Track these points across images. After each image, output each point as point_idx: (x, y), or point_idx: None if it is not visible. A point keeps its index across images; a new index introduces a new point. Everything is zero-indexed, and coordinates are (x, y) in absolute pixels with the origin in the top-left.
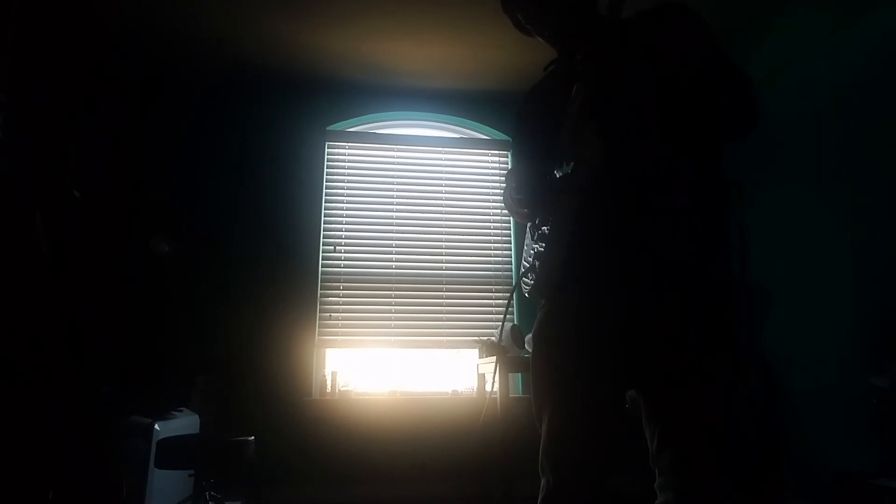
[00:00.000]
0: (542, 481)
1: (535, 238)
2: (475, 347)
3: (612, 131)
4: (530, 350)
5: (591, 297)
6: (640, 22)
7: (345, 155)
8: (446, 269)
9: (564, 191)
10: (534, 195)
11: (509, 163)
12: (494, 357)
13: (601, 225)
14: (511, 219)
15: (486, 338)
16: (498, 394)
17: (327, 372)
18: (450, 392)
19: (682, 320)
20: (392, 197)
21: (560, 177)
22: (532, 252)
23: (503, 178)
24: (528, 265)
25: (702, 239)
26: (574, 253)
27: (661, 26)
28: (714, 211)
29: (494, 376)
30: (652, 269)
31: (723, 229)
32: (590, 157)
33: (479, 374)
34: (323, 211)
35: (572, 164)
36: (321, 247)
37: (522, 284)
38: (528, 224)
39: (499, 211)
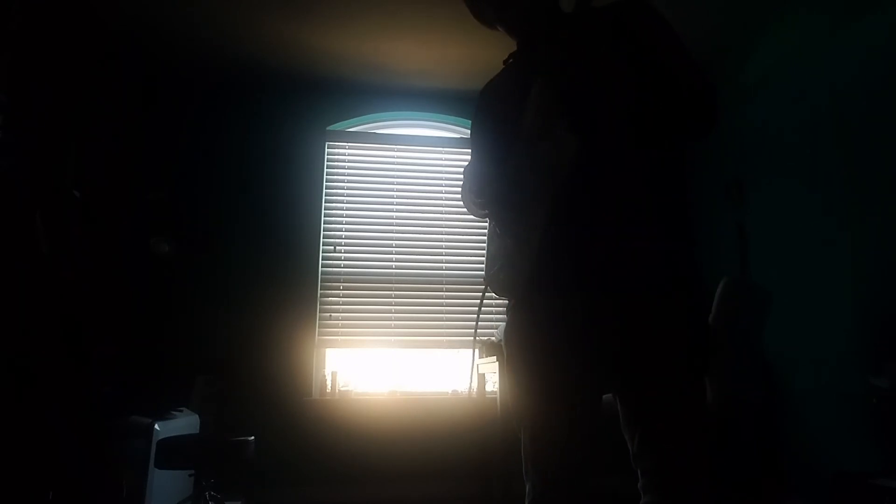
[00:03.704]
0: (528, 487)
1: (503, 235)
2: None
3: (585, 127)
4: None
5: (566, 299)
6: (602, 17)
7: (345, 155)
8: (446, 269)
9: (535, 189)
10: (496, 194)
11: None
12: (495, 357)
13: (574, 224)
14: None
15: (485, 338)
16: (497, 394)
17: (327, 372)
18: (450, 392)
19: (658, 322)
20: (392, 197)
21: (530, 174)
22: (504, 247)
23: None
24: (495, 264)
25: (675, 237)
26: (546, 253)
27: (628, 21)
28: (683, 208)
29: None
30: (627, 269)
31: (689, 227)
32: (563, 155)
33: (479, 374)
34: (323, 211)
35: (542, 161)
36: (321, 247)
37: (491, 283)
38: (493, 221)
39: None
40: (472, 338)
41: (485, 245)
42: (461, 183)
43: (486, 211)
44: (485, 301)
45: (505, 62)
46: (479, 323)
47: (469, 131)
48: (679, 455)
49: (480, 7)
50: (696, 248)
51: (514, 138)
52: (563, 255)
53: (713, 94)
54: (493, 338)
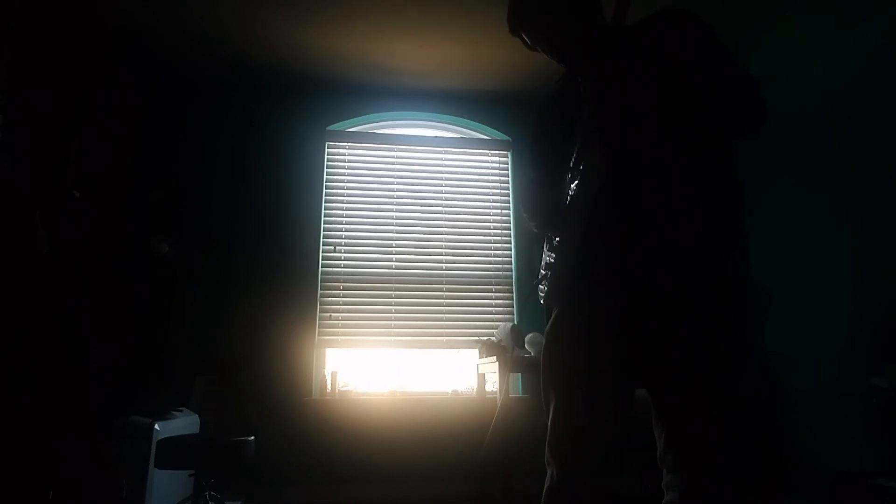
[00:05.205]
0: (548, 472)
1: (548, 249)
2: (475, 347)
3: (616, 142)
4: (532, 350)
5: (600, 297)
6: (644, 28)
7: (345, 155)
8: (446, 269)
9: (573, 204)
10: (544, 213)
11: (509, 164)
12: (495, 357)
13: (608, 230)
14: (511, 219)
15: (486, 338)
16: (498, 394)
17: (327, 372)
18: (450, 392)
19: (687, 320)
20: (392, 197)
21: (571, 194)
22: (545, 262)
23: (503, 178)
24: (542, 274)
25: (710, 237)
26: (583, 259)
27: (665, 31)
28: (723, 209)
29: (507, 380)
30: (658, 269)
31: (733, 226)
32: (595, 171)
33: (479, 374)
34: (323, 211)
35: (580, 181)
36: (321, 247)
37: (539, 291)
38: (543, 238)
39: (499, 211)
40: (471, 338)
41: (484, 245)
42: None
43: (538, 230)
44: (485, 302)
45: (556, 84)
46: (480, 323)
47: (471, 134)
48: (701, 454)
49: (524, 32)
50: (739, 250)
51: (562, 161)
52: (596, 264)
53: (756, 91)
54: (493, 338)
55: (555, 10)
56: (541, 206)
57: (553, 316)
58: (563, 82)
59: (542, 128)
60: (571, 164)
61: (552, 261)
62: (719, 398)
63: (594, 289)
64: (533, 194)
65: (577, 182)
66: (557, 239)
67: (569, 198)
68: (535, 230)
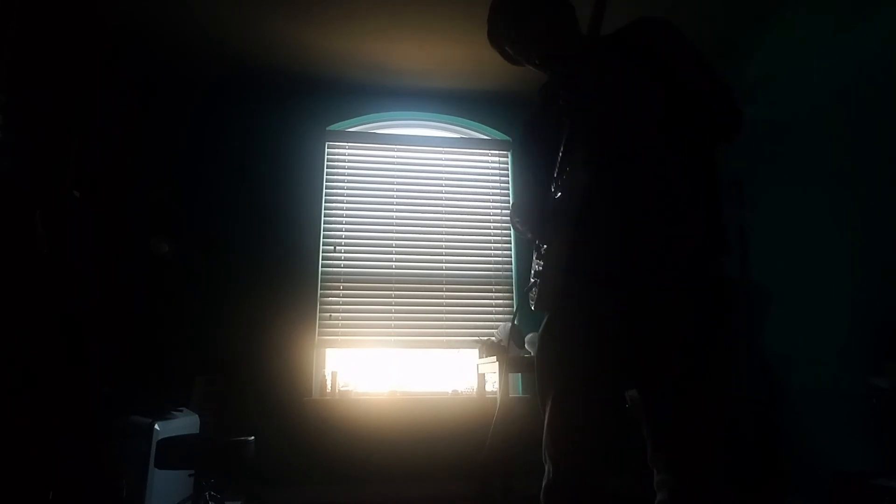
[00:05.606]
0: (545, 468)
1: (536, 257)
2: (475, 347)
3: (614, 143)
4: (531, 350)
5: (600, 297)
6: (631, 32)
7: (345, 155)
8: (446, 269)
9: (562, 207)
10: (533, 223)
11: (509, 164)
12: (495, 357)
13: (608, 230)
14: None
15: (486, 338)
16: (498, 394)
17: (327, 372)
18: (450, 392)
19: (678, 321)
20: (392, 197)
21: (558, 206)
22: (534, 270)
23: (503, 178)
24: (532, 282)
25: (698, 238)
26: (580, 259)
27: (656, 35)
28: (709, 210)
29: (507, 380)
30: (659, 269)
31: (718, 228)
32: (579, 186)
33: (479, 374)
34: (323, 211)
35: (565, 193)
36: (321, 247)
37: (529, 299)
38: (532, 245)
39: (499, 211)
40: (471, 338)
41: (484, 245)
42: (511, 205)
43: (529, 237)
44: (485, 302)
45: (539, 92)
46: (480, 323)
47: (471, 134)
48: (691, 454)
49: (507, 53)
50: (722, 251)
51: (549, 173)
52: (594, 264)
53: (732, 97)
54: (493, 338)
55: (544, 16)
56: (533, 217)
57: (548, 317)
58: (548, 90)
59: (529, 141)
60: (557, 170)
61: (541, 268)
62: (715, 398)
63: (593, 288)
64: (522, 204)
65: (564, 186)
66: (545, 247)
67: (556, 202)
68: (520, 232)
